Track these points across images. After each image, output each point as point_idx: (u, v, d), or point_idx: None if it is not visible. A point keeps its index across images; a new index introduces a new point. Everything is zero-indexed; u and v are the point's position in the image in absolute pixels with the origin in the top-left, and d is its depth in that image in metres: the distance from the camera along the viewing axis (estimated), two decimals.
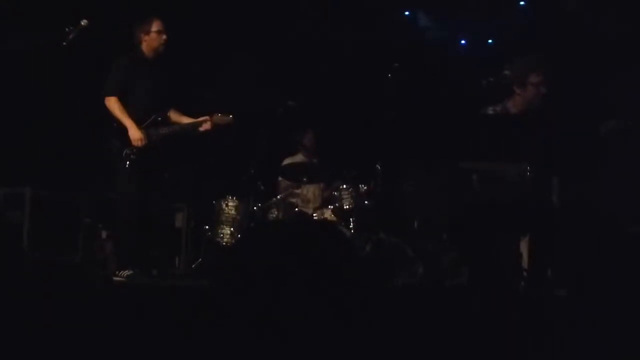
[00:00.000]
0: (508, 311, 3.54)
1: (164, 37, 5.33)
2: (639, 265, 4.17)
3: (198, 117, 5.51)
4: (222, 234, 6.48)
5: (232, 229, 6.47)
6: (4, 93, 5.72)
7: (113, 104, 5.20)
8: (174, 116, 5.51)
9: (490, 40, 7.67)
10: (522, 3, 7.35)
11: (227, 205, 6.54)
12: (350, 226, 6.25)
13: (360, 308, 3.14)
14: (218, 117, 5.48)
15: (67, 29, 4.71)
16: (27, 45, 4.61)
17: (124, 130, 5.18)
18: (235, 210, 6.52)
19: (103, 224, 6.91)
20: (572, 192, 5.34)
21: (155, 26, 5.33)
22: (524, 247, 4.79)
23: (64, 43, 4.70)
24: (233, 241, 6.35)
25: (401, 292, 5.07)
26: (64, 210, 6.59)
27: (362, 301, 3.23)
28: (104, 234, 6.91)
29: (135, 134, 5.16)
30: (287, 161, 7.02)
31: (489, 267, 4.23)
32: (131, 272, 5.08)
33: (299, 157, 7.07)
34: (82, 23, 4.74)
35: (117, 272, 5.10)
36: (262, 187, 6.66)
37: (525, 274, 4.41)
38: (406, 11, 7.85)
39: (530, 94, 4.48)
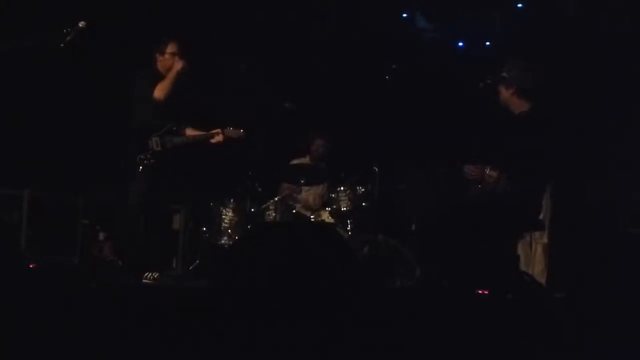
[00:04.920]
0: (506, 313, 3.55)
1: (178, 60, 5.39)
2: (639, 266, 4.18)
3: (209, 129, 5.64)
4: (220, 235, 6.47)
5: (229, 230, 6.46)
6: (1, 94, 5.73)
7: (157, 88, 5.29)
8: (189, 131, 5.63)
9: (487, 42, 7.67)
10: (519, 5, 7.34)
11: (224, 207, 6.53)
12: (348, 228, 6.25)
13: (358, 309, 3.14)
14: (230, 130, 5.60)
15: (65, 30, 4.71)
16: (25, 45, 4.60)
17: (140, 134, 5.31)
18: (233, 212, 6.51)
19: (101, 226, 6.91)
20: (571, 194, 5.35)
21: (169, 48, 5.43)
22: (521, 249, 4.80)
23: (62, 44, 4.71)
24: (230, 243, 6.34)
25: (399, 293, 5.07)
26: (62, 212, 6.60)
27: (360, 303, 3.23)
28: (102, 236, 6.91)
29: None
30: (294, 162, 7.00)
31: (474, 269, 4.19)
32: (157, 274, 5.21)
33: (306, 160, 7.06)
34: (80, 24, 4.75)
35: (145, 275, 5.19)
36: (260, 189, 6.66)
37: (524, 276, 4.39)
38: (404, 13, 7.84)
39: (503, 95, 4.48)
